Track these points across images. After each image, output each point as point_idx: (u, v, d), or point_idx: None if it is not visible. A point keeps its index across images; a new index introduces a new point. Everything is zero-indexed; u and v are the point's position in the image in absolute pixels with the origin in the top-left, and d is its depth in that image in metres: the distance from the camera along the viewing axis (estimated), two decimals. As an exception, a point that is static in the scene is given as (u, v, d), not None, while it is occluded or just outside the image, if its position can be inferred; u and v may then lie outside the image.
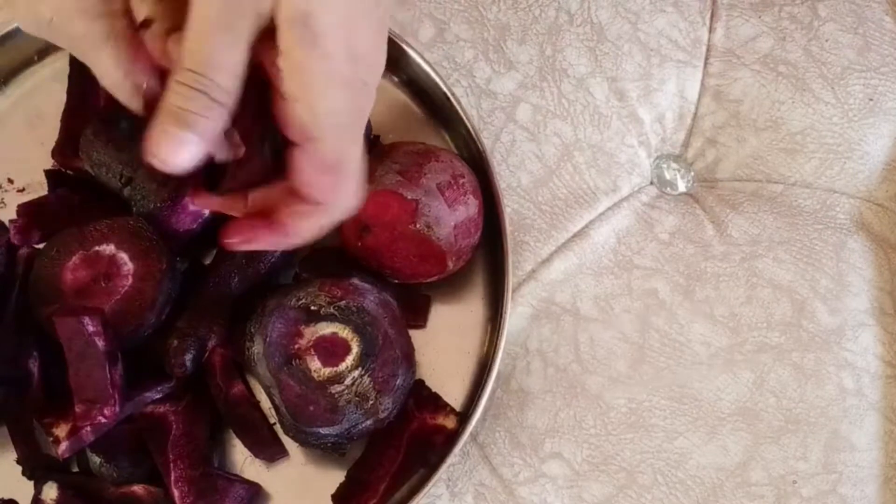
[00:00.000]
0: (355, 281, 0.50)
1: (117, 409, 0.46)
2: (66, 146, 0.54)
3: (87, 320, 0.45)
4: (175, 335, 0.50)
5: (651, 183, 0.62)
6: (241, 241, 0.40)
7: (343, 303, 0.48)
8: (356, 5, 0.35)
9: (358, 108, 0.37)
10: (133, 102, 0.38)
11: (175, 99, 0.34)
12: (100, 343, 0.45)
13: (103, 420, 0.46)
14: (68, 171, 0.55)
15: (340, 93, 0.35)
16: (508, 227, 0.54)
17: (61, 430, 0.47)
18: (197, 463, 0.49)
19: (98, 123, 0.51)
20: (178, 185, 0.49)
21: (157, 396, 0.50)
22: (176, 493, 0.48)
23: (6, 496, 0.50)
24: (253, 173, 0.38)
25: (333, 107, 0.35)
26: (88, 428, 0.46)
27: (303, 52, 0.34)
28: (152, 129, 0.34)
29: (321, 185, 0.37)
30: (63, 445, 0.46)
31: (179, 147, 0.34)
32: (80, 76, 0.55)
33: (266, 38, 0.34)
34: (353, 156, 0.37)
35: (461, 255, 0.52)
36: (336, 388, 0.47)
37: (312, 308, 0.48)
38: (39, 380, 0.49)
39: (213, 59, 0.34)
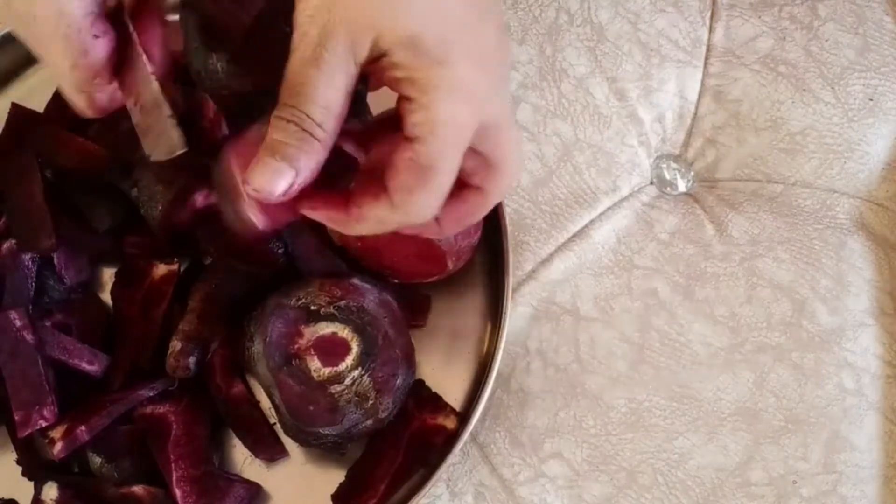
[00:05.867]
0: (355, 281, 0.50)
1: (56, 408, 0.46)
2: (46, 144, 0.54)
3: (13, 314, 0.45)
4: (178, 337, 0.49)
5: (651, 183, 0.62)
6: (309, 208, 0.40)
7: (343, 302, 0.48)
8: (466, 15, 0.36)
9: (474, 122, 0.37)
10: (79, 101, 0.38)
11: (273, 132, 0.36)
12: (29, 338, 0.45)
13: (44, 423, 0.45)
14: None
15: (459, 105, 0.36)
16: (508, 227, 0.54)
17: (56, 432, 0.47)
18: (198, 462, 0.49)
19: (100, 125, 0.51)
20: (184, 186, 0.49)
21: (151, 394, 0.49)
22: (178, 492, 0.48)
23: (6, 496, 0.50)
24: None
25: (447, 116, 0.36)
26: (83, 427, 0.46)
27: (417, 65, 0.35)
28: (253, 161, 0.36)
29: (403, 184, 0.37)
30: (58, 446, 0.46)
31: (273, 177, 0.36)
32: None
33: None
34: (447, 169, 0.37)
35: (461, 255, 0.52)
36: (336, 388, 0.47)
37: (312, 308, 0.48)
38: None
39: (309, 95, 0.35)
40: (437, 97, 0.35)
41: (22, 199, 0.49)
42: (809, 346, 0.57)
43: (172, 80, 0.40)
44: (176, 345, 0.49)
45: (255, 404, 0.52)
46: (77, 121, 0.52)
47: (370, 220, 0.39)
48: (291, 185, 0.36)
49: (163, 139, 0.38)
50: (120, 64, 0.39)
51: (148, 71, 0.38)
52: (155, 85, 0.38)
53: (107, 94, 0.39)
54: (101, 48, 0.37)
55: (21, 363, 0.45)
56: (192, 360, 0.49)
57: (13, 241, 0.49)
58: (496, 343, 0.52)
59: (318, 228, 0.56)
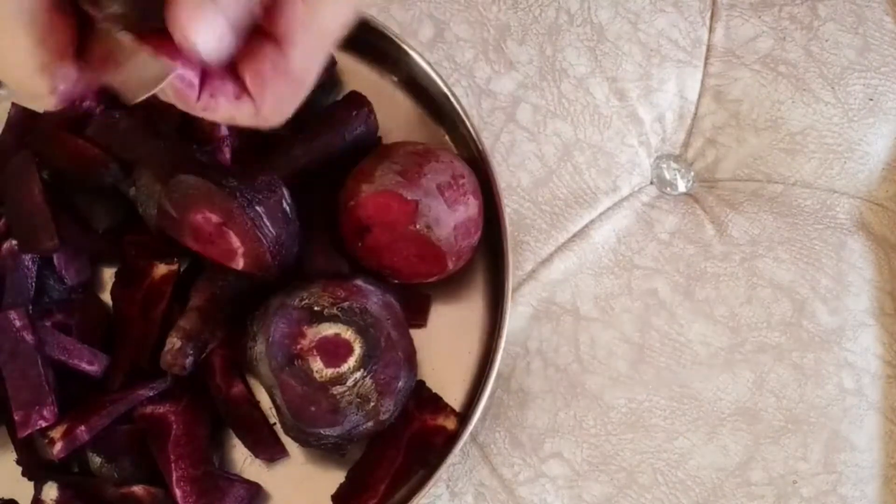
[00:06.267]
0: (359, 282, 0.50)
1: (56, 409, 0.46)
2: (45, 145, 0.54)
3: (13, 314, 0.45)
4: (179, 335, 0.49)
5: (651, 183, 0.62)
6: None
7: (346, 304, 0.48)
8: None
9: (345, 27, 0.35)
10: (40, 85, 0.35)
11: None
12: (28, 338, 0.45)
13: (43, 423, 0.45)
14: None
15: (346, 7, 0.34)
16: (508, 227, 0.54)
17: (56, 432, 0.47)
18: (198, 462, 0.49)
19: (99, 125, 0.51)
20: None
21: (151, 394, 0.49)
22: (178, 492, 0.48)
23: (6, 496, 0.50)
24: None
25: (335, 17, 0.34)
26: (83, 427, 0.46)
27: None
28: (172, 13, 0.32)
29: (275, 89, 0.35)
30: (58, 446, 0.46)
31: (206, 23, 0.32)
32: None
33: None
34: (315, 72, 0.36)
35: (461, 256, 0.52)
36: (338, 390, 0.47)
37: (315, 308, 0.48)
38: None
39: None
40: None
41: (22, 199, 0.49)
42: (809, 346, 0.57)
43: None
44: (175, 342, 0.49)
45: (255, 404, 0.52)
46: (76, 122, 0.52)
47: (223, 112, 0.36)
48: (224, 37, 0.33)
49: (144, 75, 0.36)
50: (82, 47, 0.37)
51: (120, 28, 0.36)
52: (128, 35, 0.36)
53: (68, 80, 0.35)
54: (67, 27, 0.34)
55: (21, 363, 0.45)
56: (189, 359, 0.49)
57: (13, 241, 0.49)
58: (496, 343, 0.52)
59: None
